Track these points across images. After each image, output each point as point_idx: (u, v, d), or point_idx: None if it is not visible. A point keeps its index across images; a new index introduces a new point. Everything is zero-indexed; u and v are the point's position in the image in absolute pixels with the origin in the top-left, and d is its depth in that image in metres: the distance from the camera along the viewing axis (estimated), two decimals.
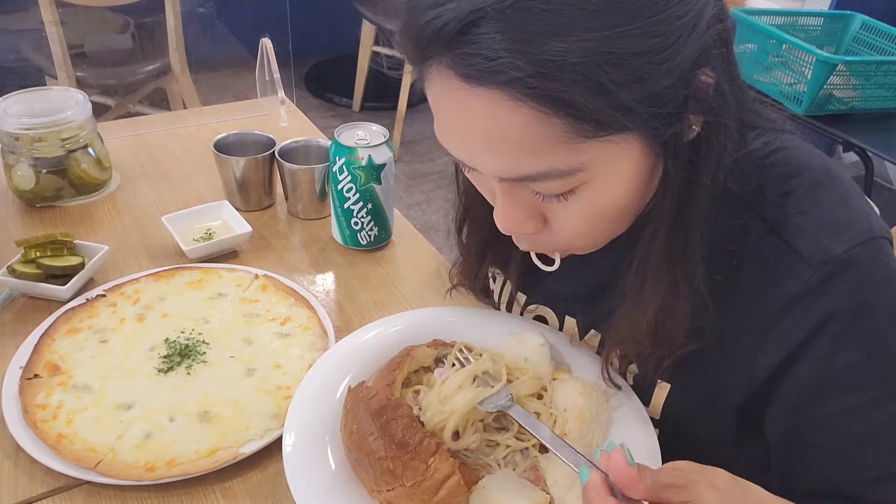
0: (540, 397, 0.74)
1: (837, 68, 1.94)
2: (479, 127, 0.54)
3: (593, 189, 0.57)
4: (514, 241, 0.67)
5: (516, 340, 0.79)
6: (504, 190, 0.59)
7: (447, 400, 0.68)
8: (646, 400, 0.74)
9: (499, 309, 0.91)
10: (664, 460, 0.77)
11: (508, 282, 0.87)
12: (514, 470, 0.68)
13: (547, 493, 0.64)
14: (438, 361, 0.78)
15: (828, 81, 1.95)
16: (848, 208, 0.64)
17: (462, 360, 0.76)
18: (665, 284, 0.62)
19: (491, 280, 0.91)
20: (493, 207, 0.67)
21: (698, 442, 0.63)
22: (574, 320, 0.81)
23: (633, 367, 0.74)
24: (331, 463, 0.68)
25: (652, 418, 0.73)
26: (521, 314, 0.87)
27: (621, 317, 0.67)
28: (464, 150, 0.58)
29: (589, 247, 0.66)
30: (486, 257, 0.83)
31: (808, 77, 1.94)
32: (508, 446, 0.69)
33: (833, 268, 0.60)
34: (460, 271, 0.87)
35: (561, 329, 0.83)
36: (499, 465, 0.68)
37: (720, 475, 0.53)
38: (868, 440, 0.63)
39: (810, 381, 0.63)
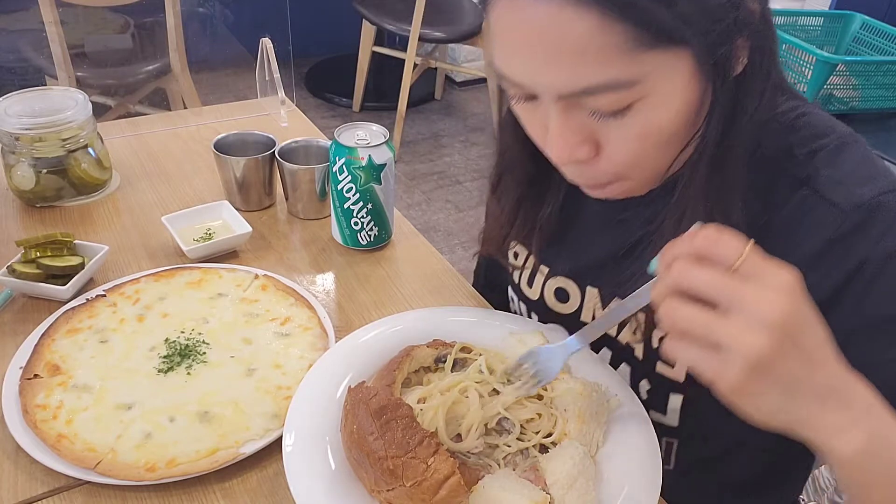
0: (540, 398, 0.74)
1: (837, 68, 1.94)
2: (544, 38, 0.56)
3: (648, 105, 0.58)
4: (566, 175, 0.68)
5: (516, 340, 0.79)
6: (560, 112, 0.60)
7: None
8: (671, 363, 0.74)
9: (518, 285, 0.91)
10: (686, 433, 0.79)
11: (531, 257, 0.88)
12: (514, 470, 0.68)
13: (547, 493, 0.64)
14: (438, 361, 0.78)
15: (828, 81, 1.95)
16: (874, 164, 0.67)
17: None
18: (703, 217, 0.63)
19: (512, 256, 0.91)
20: (533, 162, 0.74)
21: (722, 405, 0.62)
22: (596, 290, 0.81)
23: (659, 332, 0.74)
24: (331, 463, 0.68)
25: (676, 382, 0.73)
26: (543, 287, 0.87)
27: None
28: (525, 69, 0.59)
29: (637, 178, 0.66)
30: (517, 218, 0.84)
31: (808, 77, 1.94)
32: (508, 446, 0.69)
33: (864, 213, 0.63)
34: (488, 236, 0.87)
35: (583, 302, 0.83)
36: (499, 465, 0.68)
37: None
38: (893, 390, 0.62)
39: (843, 332, 0.63)
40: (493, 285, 1.03)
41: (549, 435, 0.70)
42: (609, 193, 0.69)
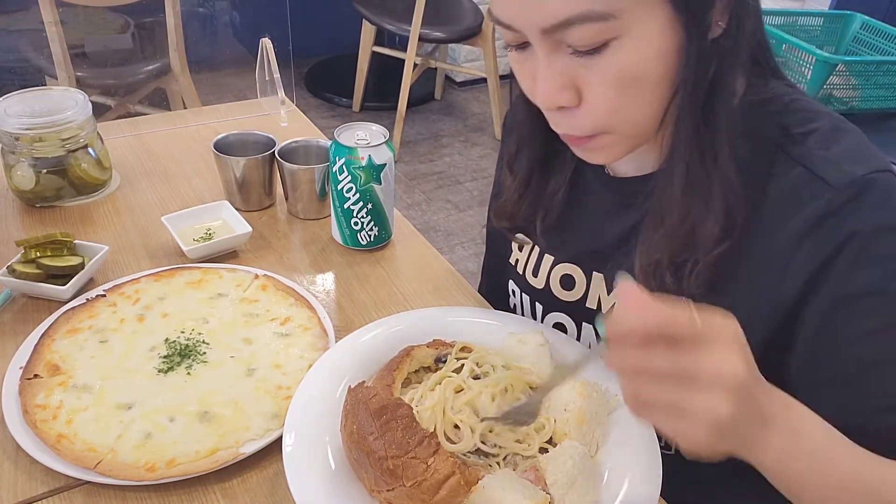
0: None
1: (837, 68, 1.94)
2: None
3: (624, 46, 0.61)
4: (553, 125, 0.70)
5: (516, 340, 0.79)
6: (545, 54, 0.63)
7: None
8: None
9: (523, 275, 0.91)
10: None
11: (535, 247, 0.89)
12: (514, 470, 0.68)
13: (547, 493, 0.64)
14: (438, 361, 0.78)
15: (828, 81, 1.95)
16: (866, 146, 0.69)
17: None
18: (693, 161, 0.66)
19: (517, 248, 0.92)
20: (544, 138, 0.79)
21: None
22: (602, 275, 0.82)
23: None
24: (331, 463, 0.68)
25: None
26: (549, 275, 0.87)
27: (653, 219, 0.70)
28: (510, 4, 0.63)
29: (620, 131, 0.68)
30: (528, 190, 0.85)
31: (808, 77, 1.94)
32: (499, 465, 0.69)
33: (855, 189, 0.64)
34: (500, 209, 0.89)
35: (588, 288, 0.84)
36: (499, 464, 0.68)
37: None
38: (880, 366, 0.64)
39: (830, 304, 0.65)
40: (497, 287, 1.02)
41: (547, 436, 0.71)
42: (597, 153, 0.71)
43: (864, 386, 0.65)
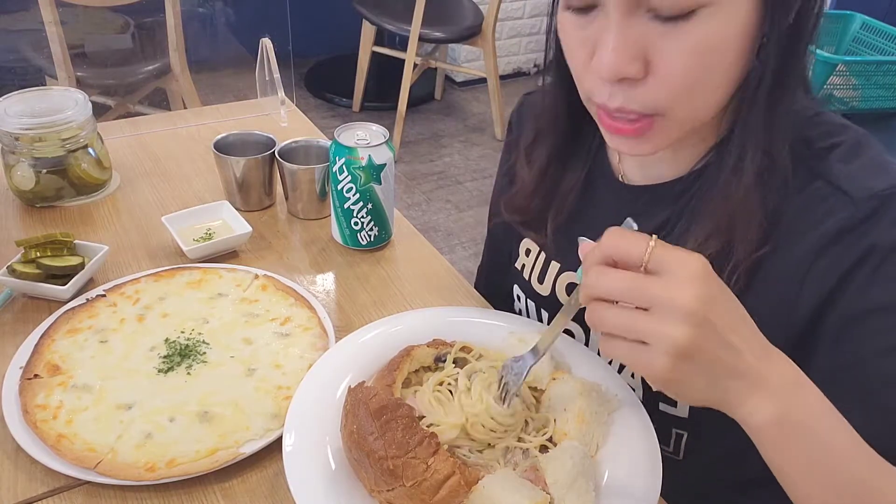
0: (537, 400, 0.74)
1: (837, 68, 1.94)
2: None
3: (713, 15, 0.58)
4: (607, 100, 0.64)
5: (516, 340, 0.79)
6: (619, 18, 0.59)
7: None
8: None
9: (529, 282, 0.91)
10: (695, 424, 0.79)
11: (542, 252, 0.88)
12: (514, 470, 0.68)
13: (547, 493, 0.64)
14: (438, 361, 0.78)
15: (828, 81, 1.95)
16: (887, 162, 0.68)
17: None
18: (761, 152, 0.66)
19: (524, 254, 0.92)
20: (565, 127, 0.80)
21: None
22: None
23: None
24: (331, 463, 0.68)
25: None
26: (555, 283, 0.87)
27: (712, 198, 0.69)
28: None
29: (676, 115, 0.64)
30: (544, 179, 0.84)
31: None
32: (507, 447, 0.70)
33: (876, 203, 0.64)
34: (509, 199, 0.88)
35: None
36: (499, 464, 0.68)
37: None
38: (881, 382, 0.63)
39: (847, 319, 0.65)
40: (495, 287, 1.03)
41: (547, 436, 0.71)
42: (643, 143, 0.66)
43: (881, 402, 0.63)
